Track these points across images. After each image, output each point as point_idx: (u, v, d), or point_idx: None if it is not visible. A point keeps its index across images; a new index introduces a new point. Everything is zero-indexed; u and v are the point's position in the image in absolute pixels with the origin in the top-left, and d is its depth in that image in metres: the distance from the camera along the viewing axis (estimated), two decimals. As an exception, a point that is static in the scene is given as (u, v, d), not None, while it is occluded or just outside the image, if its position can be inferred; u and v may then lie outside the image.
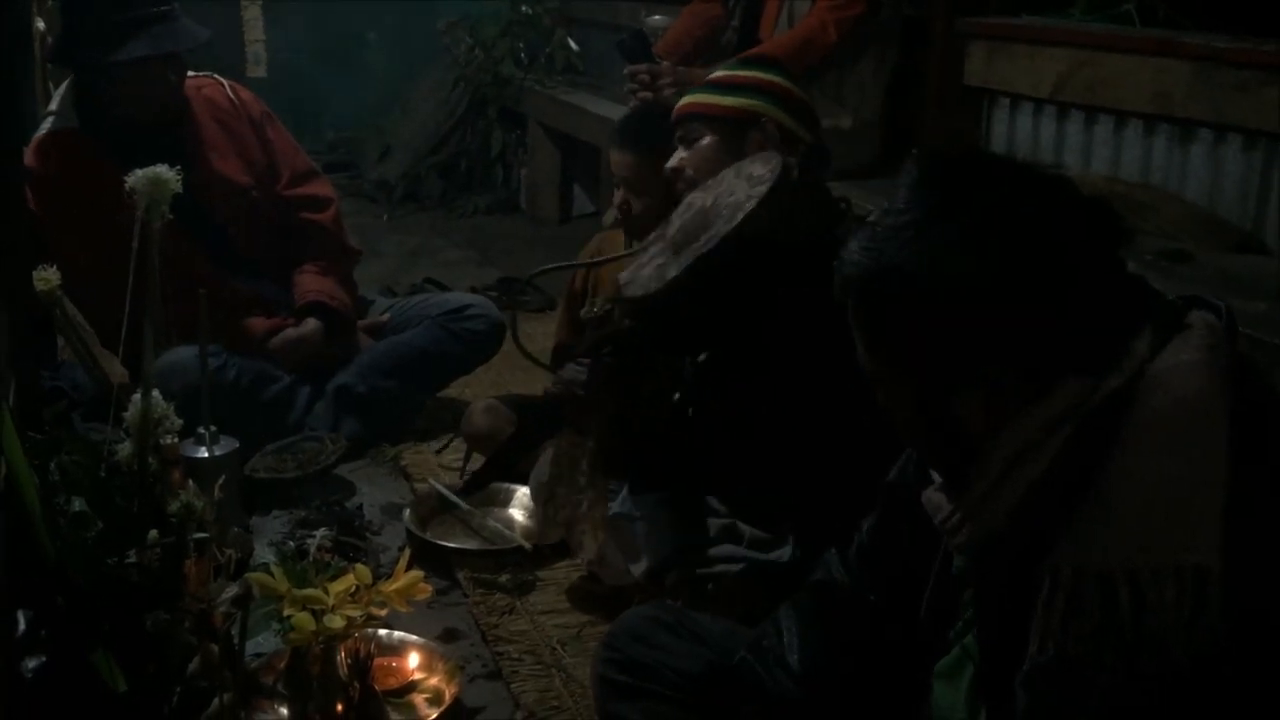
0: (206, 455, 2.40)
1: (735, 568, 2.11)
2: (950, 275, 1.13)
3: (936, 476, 1.26)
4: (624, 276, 2.07)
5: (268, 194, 3.09)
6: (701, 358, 2.05)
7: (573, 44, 5.54)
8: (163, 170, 1.82)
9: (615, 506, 2.26)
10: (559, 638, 2.27)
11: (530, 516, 2.68)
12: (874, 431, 1.30)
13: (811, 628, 1.49)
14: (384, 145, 5.99)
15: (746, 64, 2.34)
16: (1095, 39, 3.01)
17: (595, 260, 2.71)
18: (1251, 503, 1.07)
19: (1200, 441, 1.08)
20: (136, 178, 1.82)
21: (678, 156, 2.27)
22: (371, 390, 3.06)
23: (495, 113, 5.70)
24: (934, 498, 1.24)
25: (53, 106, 3.03)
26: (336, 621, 1.80)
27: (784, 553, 2.10)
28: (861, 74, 3.36)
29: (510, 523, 2.68)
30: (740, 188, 1.97)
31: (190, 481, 1.94)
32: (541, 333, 3.71)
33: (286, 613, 1.81)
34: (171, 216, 1.85)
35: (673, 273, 1.93)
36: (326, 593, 1.83)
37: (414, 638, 2.14)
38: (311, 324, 3.02)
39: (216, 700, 1.74)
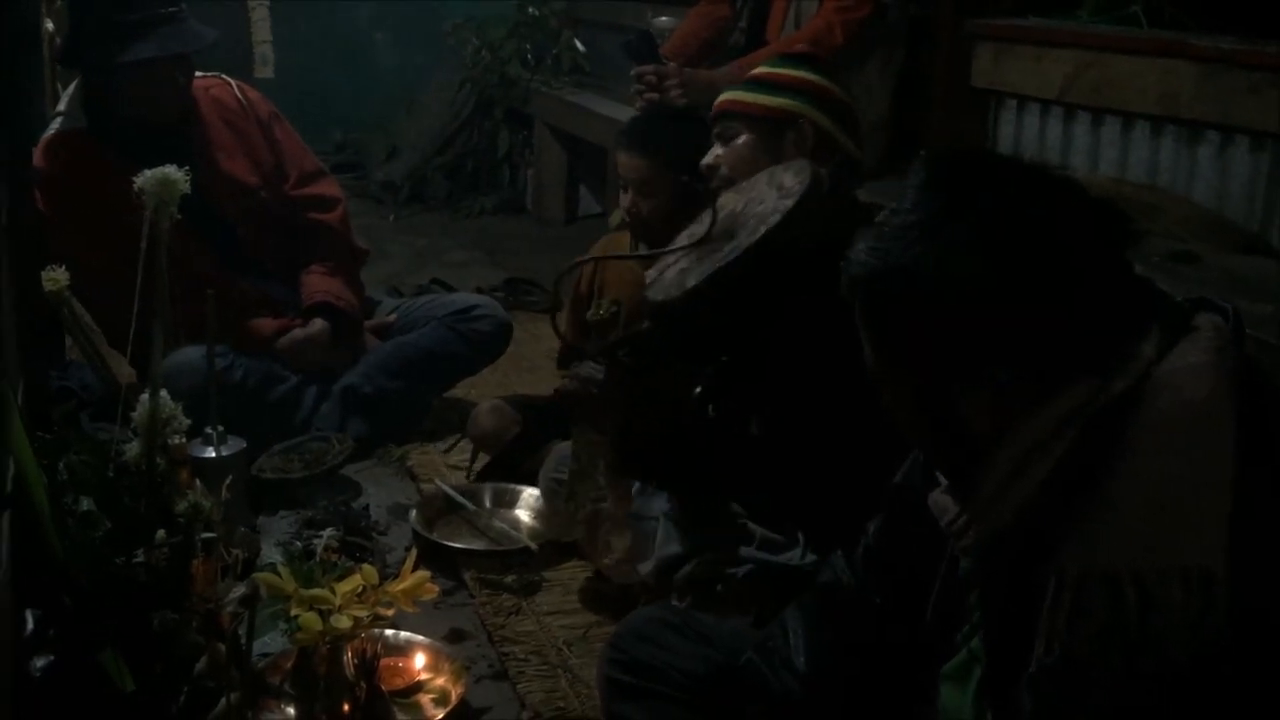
0: (214, 455, 2.40)
1: (744, 569, 2.11)
2: (956, 276, 1.13)
3: (943, 478, 1.26)
4: (650, 275, 2.08)
5: (275, 194, 3.10)
6: (724, 359, 2.05)
7: (579, 45, 5.55)
8: (171, 171, 1.83)
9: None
10: (565, 638, 2.27)
11: (536, 517, 2.69)
12: (883, 434, 1.30)
13: (817, 629, 1.49)
14: (390, 146, 5.99)
15: (788, 61, 2.29)
16: (1102, 40, 3.01)
17: (627, 254, 2.68)
18: (1257, 505, 1.07)
19: (1207, 444, 1.08)
20: (145, 178, 1.83)
21: (714, 153, 2.25)
22: (378, 391, 3.06)
23: (502, 113, 5.71)
24: (940, 500, 1.24)
25: (61, 107, 3.04)
26: (343, 621, 1.81)
27: (794, 554, 2.10)
28: (868, 75, 3.36)
29: (516, 523, 2.68)
30: (769, 197, 1.96)
31: (197, 481, 1.95)
32: (548, 333, 3.71)
33: (293, 613, 1.82)
34: (180, 217, 1.86)
35: (692, 281, 1.93)
36: (333, 593, 1.84)
37: (420, 638, 2.14)
38: (318, 324, 3.02)
39: (223, 700, 1.75)
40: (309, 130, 3.36)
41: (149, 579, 1.77)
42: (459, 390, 3.30)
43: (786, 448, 2.01)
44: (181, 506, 1.81)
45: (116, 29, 2.78)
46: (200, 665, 1.77)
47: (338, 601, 1.83)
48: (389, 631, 2.09)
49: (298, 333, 3.02)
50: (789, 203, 1.89)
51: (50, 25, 3.41)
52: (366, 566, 1.94)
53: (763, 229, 1.88)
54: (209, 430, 2.42)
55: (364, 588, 1.87)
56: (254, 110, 3.10)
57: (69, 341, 2.76)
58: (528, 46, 5.61)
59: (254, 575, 1.85)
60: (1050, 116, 3.17)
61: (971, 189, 1.18)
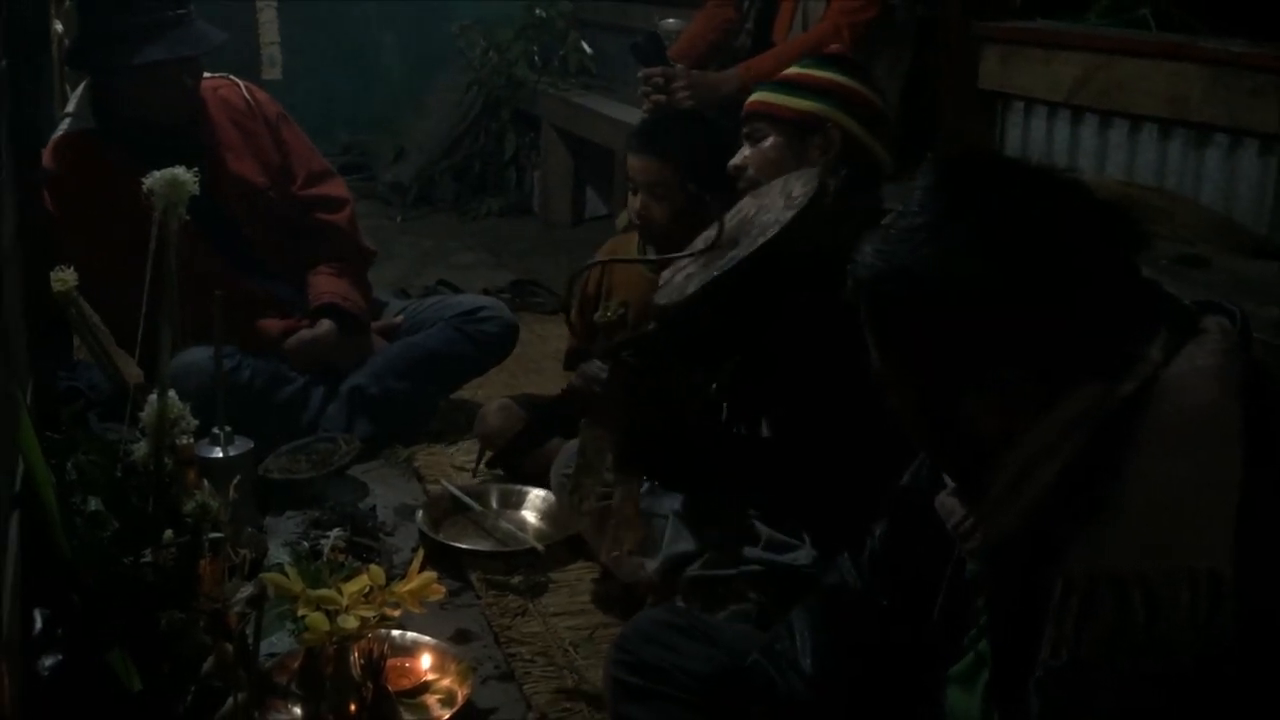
0: (221, 455, 2.41)
1: (749, 569, 2.11)
2: (959, 277, 1.13)
3: (949, 481, 1.26)
4: (664, 276, 2.09)
5: (283, 194, 3.10)
6: (734, 361, 2.06)
7: (586, 47, 5.55)
8: (180, 172, 1.83)
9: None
10: (571, 639, 2.27)
11: (543, 518, 2.69)
12: (889, 436, 1.30)
13: (824, 631, 1.49)
14: (398, 148, 6.00)
15: (819, 63, 2.27)
16: (1110, 43, 3.01)
17: (637, 258, 2.69)
18: (1264, 508, 1.07)
19: (1214, 447, 1.08)
20: (154, 179, 1.83)
21: (741, 154, 2.24)
22: (385, 391, 3.07)
23: (509, 115, 5.71)
24: (947, 502, 1.24)
25: (70, 108, 3.05)
26: (350, 622, 1.81)
27: (799, 555, 2.10)
28: (876, 78, 3.35)
29: (523, 524, 2.68)
30: (777, 205, 1.97)
31: (205, 482, 1.95)
32: (554, 334, 3.72)
33: (300, 613, 1.82)
34: (188, 217, 1.86)
35: (692, 287, 1.94)
36: (340, 593, 1.84)
37: (427, 639, 2.14)
38: (326, 325, 3.03)
39: (230, 700, 1.75)
40: (316, 131, 3.37)
41: (156, 579, 1.78)
42: (466, 391, 3.30)
43: (795, 449, 2.01)
44: (189, 506, 1.81)
45: (124, 31, 2.79)
46: (207, 665, 1.78)
47: (344, 602, 1.83)
48: (395, 632, 2.09)
49: (305, 333, 3.02)
50: (789, 214, 1.91)
51: (59, 27, 3.42)
52: (373, 567, 1.94)
53: (760, 240, 1.90)
54: (216, 430, 2.42)
55: (371, 588, 1.87)
56: (262, 111, 3.11)
57: (77, 342, 2.76)
58: (535, 48, 5.62)
59: (261, 575, 1.86)
60: (1058, 119, 3.17)
61: (977, 190, 1.18)
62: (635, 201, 2.61)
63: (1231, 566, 1.04)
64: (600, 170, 5.18)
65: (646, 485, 2.19)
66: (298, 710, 1.90)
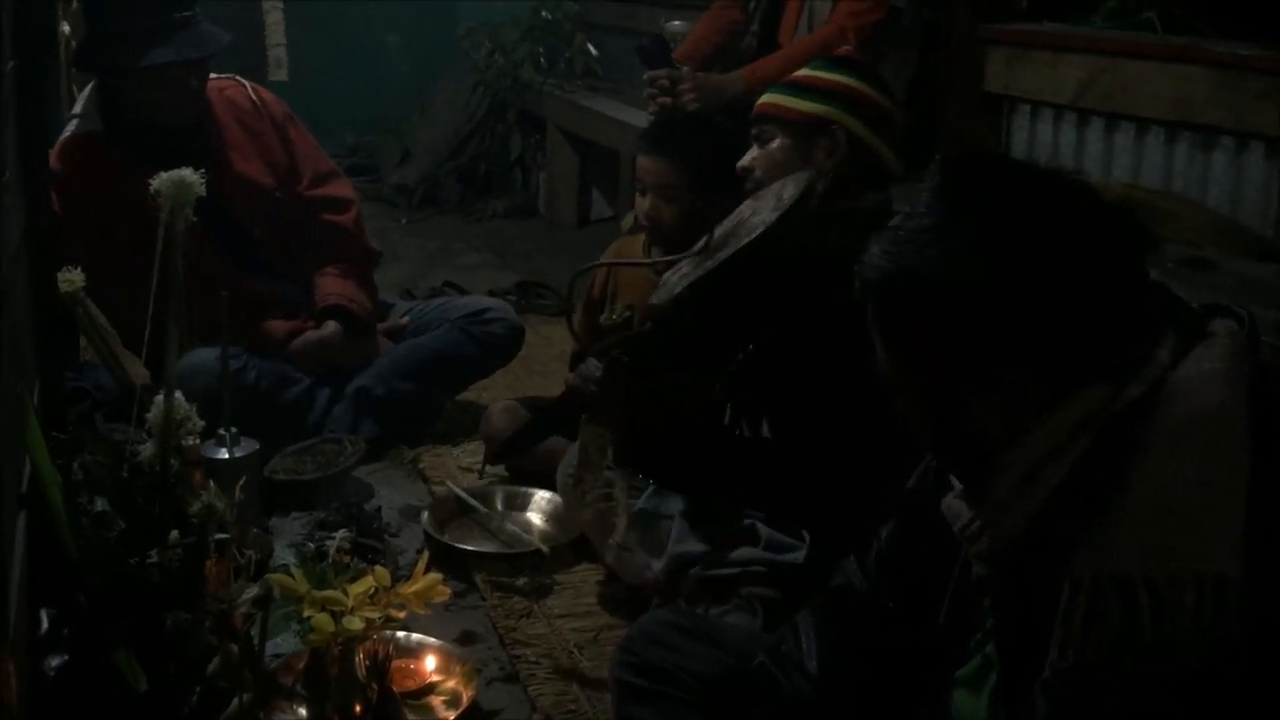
0: (227, 456, 2.41)
1: (750, 569, 2.12)
2: (964, 278, 1.13)
3: (956, 483, 1.26)
4: (664, 278, 2.10)
5: (289, 195, 3.10)
6: (740, 359, 2.07)
7: (592, 49, 5.55)
8: (186, 173, 1.84)
9: (641, 502, 2.27)
10: (576, 641, 2.27)
11: (548, 520, 2.69)
12: (894, 437, 1.30)
13: (830, 633, 1.49)
14: (403, 149, 6.01)
15: (828, 66, 2.26)
16: (1116, 46, 3.00)
17: (637, 260, 2.69)
18: (1272, 511, 1.07)
19: (1221, 450, 1.08)
20: (161, 180, 1.84)
21: (750, 155, 2.25)
22: (390, 393, 3.07)
23: (514, 117, 5.72)
24: (954, 504, 1.24)
25: (77, 109, 3.05)
26: (355, 623, 1.81)
27: (800, 555, 2.10)
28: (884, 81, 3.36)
29: (528, 526, 2.69)
30: (768, 207, 1.98)
31: (211, 482, 1.96)
32: (560, 336, 3.72)
33: (306, 614, 1.82)
34: (194, 218, 1.86)
35: (680, 287, 1.96)
36: (345, 594, 1.84)
37: (432, 640, 2.14)
38: (331, 327, 3.03)
39: (236, 700, 1.75)
40: (322, 133, 3.38)
41: (162, 579, 1.78)
42: (471, 393, 3.30)
43: (793, 450, 2.02)
44: (195, 507, 1.82)
45: (131, 33, 2.79)
46: (213, 665, 1.78)
47: (350, 603, 1.83)
48: (400, 633, 2.09)
49: (310, 335, 3.02)
50: (774, 216, 1.92)
51: (66, 28, 3.43)
52: (378, 568, 1.94)
53: (745, 240, 1.92)
54: (222, 431, 2.43)
55: (376, 589, 1.87)
56: (268, 111, 3.11)
57: (84, 342, 2.77)
58: (540, 50, 5.62)
59: (267, 576, 1.86)
60: (1064, 122, 3.17)
61: (982, 192, 1.19)
62: (643, 203, 2.61)
63: (1239, 570, 1.04)
64: (606, 172, 5.18)
65: (653, 486, 2.19)
66: (303, 711, 1.90)
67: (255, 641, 1.78)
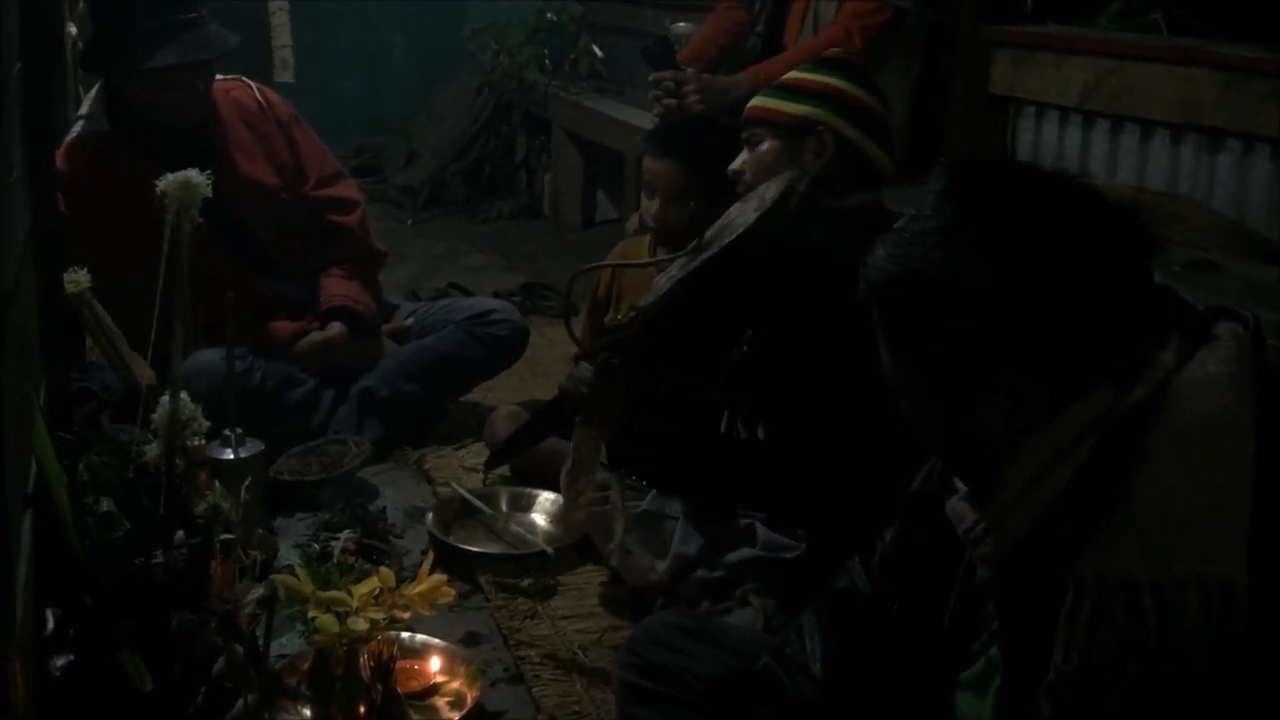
0: (232, 457, 2.42)
1: (749, 568, 2.12)
2: (969, 280, 1.13)
3: (961, 486, 1.26)
4: (655, 280, 2.11)
5: (295, 196, 3.11)
6: (734, 360, 2.08)
7: (597, 50, 5.55)
8: (193, 174, 1.84)
9: (645, 503, 2.27)
10: (580, 642, 2.27)
11: (552, 521, 2.69)
12: (898, 440, 1.30)
13: (834, 635, 1.49)
14: (409, 150, 6.01)
15: (815, 67, 2.26)
16: (1122, 48, 3.00)
17: (636, 261, 2.69)
18: (1276, 514, 1.07)
19: (1226, 453, 1.08)
20: (167, 181, 1.84)
21: (740, 159, 2.25)
22: (395, 394, 3.07)
23: (520, 118, 5.72)
24: (958, 507, 1.24)
25: (83, 110, 3.06)
26: (360, 624, 1.82)
27: (796, 553, 2.11)
28: (886, 82, 3.33)
29: (532, 527, 2.69)
30: (750, 209, 1.99)
31: (216, 483, 1.96)
32: (564, 338, 3.71)
33: (311, 615, 1.83)
34: (200, 219, 1.87)
35: (665, 288, 1.98)
36: (350, 595, 1.84)
37: (436, 641, 2.15)
38: (336, 328, 3.03)
39: (241, 701, 1.76)
40: (328, 134, 3.38)
41: (168, 579, 1.78)
42: (476, 394, 3.30)
43: (787, 451, 2.02)
44: (200, 508, 1.82)
45: (138, 35, 2.79)
46: (218, 666, 1.78)
47: (355, 604, 1.83)
48: (405, 634, 2.09)
49: (315, 336, 3.03)
50: (753, 217, 1.93)
51: (73, 29, 3.44)
52: (383, 569, 1.94)
53: (722, 243, 1.93)
54: (228, 432, 2.43)
55: (381, 590, 1.87)
56: (274, 112, 3.12)
57: (90, 343, 2.77)
58: (546, 51, 5.62)
59: (272, 577, 1.86)
60: (1069, 124, 3.16)
61: (988, 195, 1.19)
62: (650, 205, 2.61)
63: (1243, 573, 1.04)
64: (611, 173, 5.19)
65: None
66: (307, 712, 1.91)
67: (260, 642, 1.78)
